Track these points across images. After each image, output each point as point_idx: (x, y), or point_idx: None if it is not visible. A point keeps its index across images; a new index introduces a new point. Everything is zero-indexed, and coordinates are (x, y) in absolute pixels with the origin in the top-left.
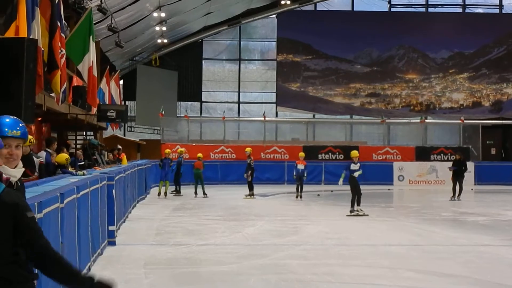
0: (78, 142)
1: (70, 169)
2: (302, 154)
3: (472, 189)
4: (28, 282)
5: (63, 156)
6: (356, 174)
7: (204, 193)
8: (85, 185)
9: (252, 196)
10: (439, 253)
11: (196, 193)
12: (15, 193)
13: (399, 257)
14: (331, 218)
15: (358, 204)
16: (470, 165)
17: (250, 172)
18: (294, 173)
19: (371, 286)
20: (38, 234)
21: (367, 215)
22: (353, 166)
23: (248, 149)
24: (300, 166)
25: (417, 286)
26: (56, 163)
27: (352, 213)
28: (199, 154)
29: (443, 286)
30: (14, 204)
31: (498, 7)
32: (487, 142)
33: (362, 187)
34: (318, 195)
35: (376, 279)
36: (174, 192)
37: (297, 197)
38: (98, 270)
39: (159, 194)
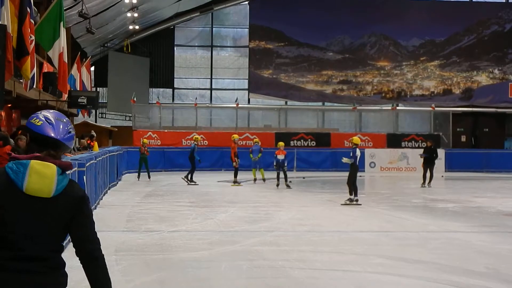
0: None
1: None
2: (281, 143)
3: (442, 176)
4: (62, 269)
5: None
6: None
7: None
8: None
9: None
10: (409, 239)
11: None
12: (78, 185)
13: (369, 243)
14: (303, 205)
15: (355, 194)
16: (441, 152)
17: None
18: (274, 163)
19: (342, 272)
20: (94, 230)
21: (360, 204)
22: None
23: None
24: (280, 156)
25: (388, 272)
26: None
27: (350, 202)
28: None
29: (413, 272)
30: (80, 197)
31: None
32: (457, 129)
33: (332, 173)
34: (290, 181)
35: (347, 266)
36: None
37: (277, 185)
38: (69, 256)
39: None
